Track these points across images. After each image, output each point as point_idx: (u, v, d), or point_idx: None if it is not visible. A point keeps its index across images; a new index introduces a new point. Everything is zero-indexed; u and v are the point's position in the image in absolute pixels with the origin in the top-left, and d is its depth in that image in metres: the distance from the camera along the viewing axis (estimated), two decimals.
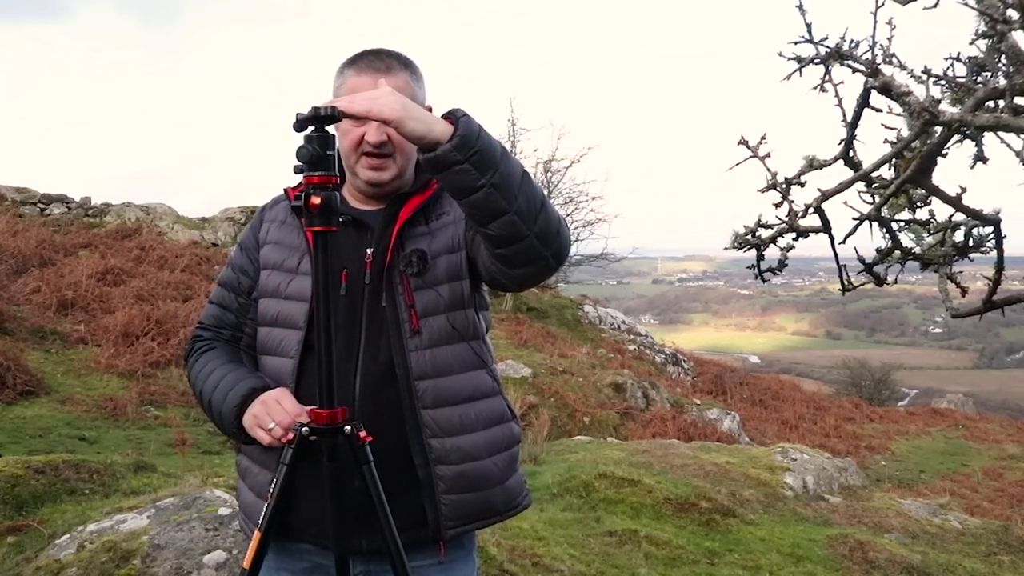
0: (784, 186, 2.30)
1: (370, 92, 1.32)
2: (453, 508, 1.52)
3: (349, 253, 1.53)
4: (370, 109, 1.28)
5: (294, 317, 1.54)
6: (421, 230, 1.57)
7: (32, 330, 8.33)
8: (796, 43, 2.15)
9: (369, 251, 1.54)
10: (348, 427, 1.36)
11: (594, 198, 17.96)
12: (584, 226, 17.41)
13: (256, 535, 1.38)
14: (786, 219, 2.32)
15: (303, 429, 1.37)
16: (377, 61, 1.53)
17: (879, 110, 2.20)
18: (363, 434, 1.37)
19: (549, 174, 16.97)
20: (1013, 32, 2.00)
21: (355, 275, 1.54)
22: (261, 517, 1.39)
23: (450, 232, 1.57)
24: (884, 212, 2.35)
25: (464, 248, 1.56)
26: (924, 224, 2.43)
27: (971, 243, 2.35)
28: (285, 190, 1.66)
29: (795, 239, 2.35)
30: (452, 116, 1.31)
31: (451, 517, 1.52)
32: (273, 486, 1.39)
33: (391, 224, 1.55)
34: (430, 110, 1.64)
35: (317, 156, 1.31)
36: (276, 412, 1.41)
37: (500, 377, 1.68)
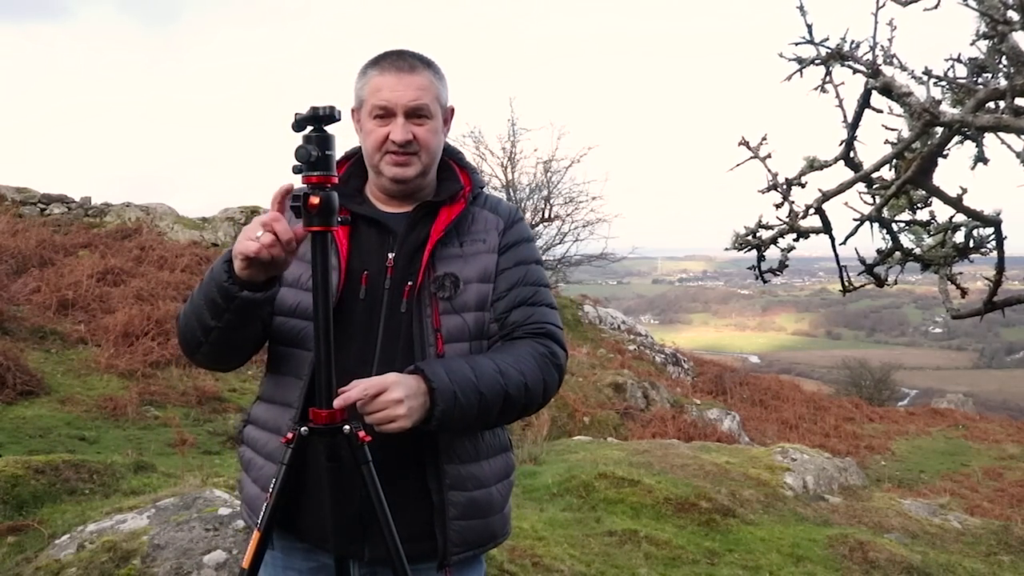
0: (785, 187, 2.29)
1: (387, 412, 1.35)
2: (460, 534, 1.52)
3: (371, 256, 1.52)
4: (381, 420, 1.35)
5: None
6: (454, 252, 1.55)
7: (32, 330, 8.33)
8: (797, 44, 2.15)
9: (391, 255, 1.53)
10: (347, 427, 1.35)
11: (594, 198, 17.96)
12: (584, 226, 17.41)
13: (255, 535, 1.38)
14: (787, 220, 2.32)
15: (302, 429, 1.37)
16: (400, 61, 1.52)
17: (880, 111, 2.20)
18: (362, 434, 1.36)
19: (549, 174, 16.98)
20: (1014, 33, 2.00)
21: (375, 279, 1.52)
22: (260, 516, 1.38)
23: (484, 261, 1.56)
24: (885, 213, 2.35)
25: (493, 281, 1.56)
26: (924, 225, 2.43)
27: (972, 244, 2.35)
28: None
29: (796, 240, 2.35)
30: (428, 386, 1.39)
31: (458, 543, 1.52)
32: (273, 486, 1.38)
33: (414, 230, 1.54)
34: (452, 111, 1.62)
35: (316, 156, 1.30)
36: (257, 222, 1.35)
37: None
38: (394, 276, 1.52)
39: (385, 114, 1.51)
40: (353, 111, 1.58)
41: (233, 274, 1.38)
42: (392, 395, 1.34)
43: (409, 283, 1.52)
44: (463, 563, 1.57)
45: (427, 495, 1.50)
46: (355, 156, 1.63)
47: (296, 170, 1.32)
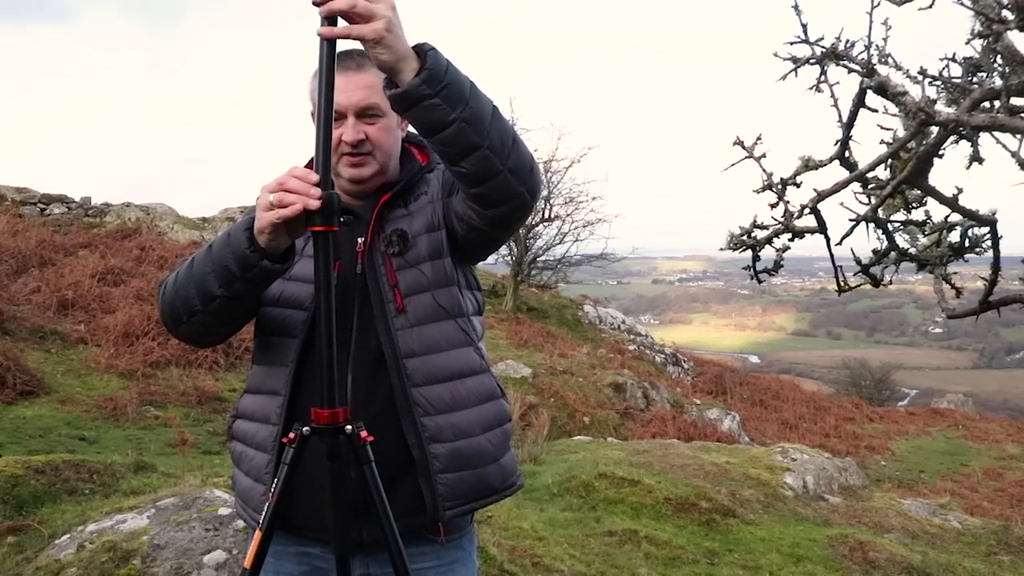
0: (780, 187, 2.30)
1: (375, 7, 1.21)
2: (450, 488, 1.50)
3: (342, 244, 1.53)
4: (354, 18, 1.22)
5: (299, 298, 1.53)
6: (400, 212, 1.57)
7: (32, 330, 8.34)
8: (792, 43, 2.15)
9: (360, 240, 1.54)
10: (349, 427, 1.35)
11: (594, 198, 18.05)
12: (584, 226, 17.44)
13: (257, 535, 1.38)
14: (782, 220, 2.32)
15: (304, 429, 1.37)
16: (348, 60, 1.51)
17: (875, 110, 2.20)
18: (364, 434, 1.36)
19: (549, 174, 16.98)
20: (1009, 32, 2.00)
21: (347, 266, 1.54)
22: (263, 517, 1.38)
23: (428, 211, 1.56)
24: (880, 213, 2.35)
25: (444, 227, 1.55)
26: (920, 225, 2.43)
27: (967, 244, 2.35)
28: None
29: (791, 240, 2.35)
30: (419, 50, 1.28)
31: (448, 497, 1.49)
32: (274, 486, 1.37)
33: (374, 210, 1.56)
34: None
35: None
36: (287, 183, 1.30)
37: (487, 355, 1.67)
38: (364, 260, 1.54)
39: (336, 116, 1.51)
40: (312, 114, 1.60)
41: (255, 242, 1.37)
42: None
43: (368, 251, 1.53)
44: (460, 541, 1.57)
45: (411, 460, 1.49)
46: None
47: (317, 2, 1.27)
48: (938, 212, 2.40)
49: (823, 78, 2.16)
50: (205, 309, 1.46)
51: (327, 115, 1.28)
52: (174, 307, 1.51)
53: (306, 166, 1.60)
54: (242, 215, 1.68)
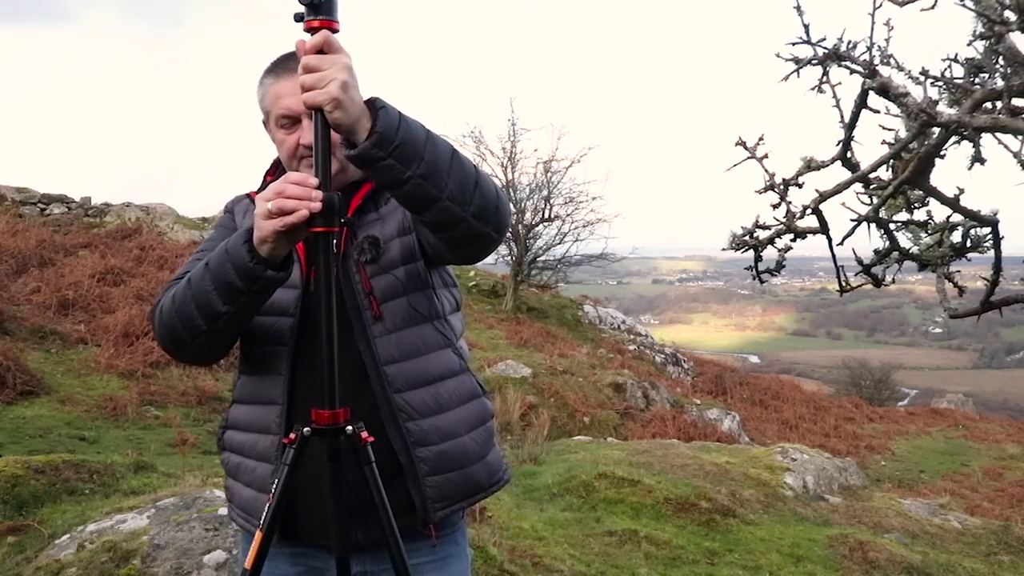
0: (782, 187, 2.30)
1: (323, 72, 1.22)
2: (438, 489, 1.51)
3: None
4: (308, 89, 1.23)
5: (284, 304, 1.52)
6: (372, 216, 1.55)
7: (32, 330, 8.35)
8: (794, 44, 2.15)
9: (334, 242, 1.54)
10: (349, 427, 1.35)
11: (594, 198, 18.06)
12: (584, 226, 17.45)
13: (257, 535, 1.38)
14: (784, 220, 2.32)
15: (305, 430, 1.37)
16: (293, 62, 1.46)
17: (877, 111, 2.20)
18: (364, 434, 1.36)
19: (549, 174, 17.00)
20: (1010, 33, 2.00)
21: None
22: (263, 517, 1.38)
23: (399, 214, 1.55)
24: (882, 213, 2.35)
25: (415, 230, 1.54)
26: (922, 225, 2.43)
27: (969, 244, 2.35)
28: (248, 194, 1.65)
29: (793, 240, 2.35)
30: (371, 106, 1.27)
31: (437, 499, 1.51)
32: (274, 487, 1.37)
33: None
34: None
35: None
36: (286, 190, 1.29)
37: (467, 354, 1.66)
38: (338, 264, 1.51)
39: (290, 122, 1.50)
40: (264, 123, 1.58)
41: (256, 253, 1.36)
42: (340, 59, 1.23)
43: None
44: (453, 535, 1.58)
45: (397, 463, 1.49)
46: (281, 165, 1.62)
47: (298, 18, 1.26)
48: (940, 212, 2.41)
49: (825, 79, 2.16)
50: (211, 328, 1.44)
51: (326, 121, 1.28)
52: (175, 331, 1.48)
53: (267, 173, 1.60)
54: (215, 229, 1.66)
